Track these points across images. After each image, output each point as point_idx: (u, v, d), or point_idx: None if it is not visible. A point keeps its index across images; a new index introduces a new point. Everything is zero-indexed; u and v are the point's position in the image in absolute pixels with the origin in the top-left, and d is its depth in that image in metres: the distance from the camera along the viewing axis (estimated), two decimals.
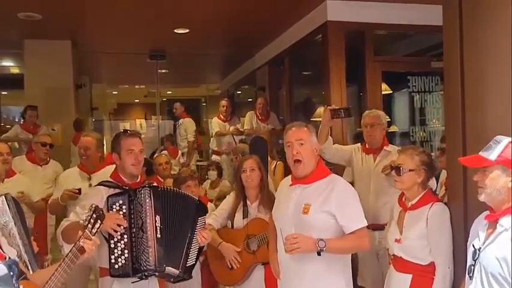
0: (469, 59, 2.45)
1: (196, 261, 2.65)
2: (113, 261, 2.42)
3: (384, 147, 3.68)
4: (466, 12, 2.45)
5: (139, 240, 2.44)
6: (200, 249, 2.69)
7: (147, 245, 2.44)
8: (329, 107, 3.41)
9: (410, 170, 2.52)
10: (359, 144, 3.90)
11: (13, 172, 3.94)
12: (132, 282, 2.46)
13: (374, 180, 3.61)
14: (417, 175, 2.52)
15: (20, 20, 5.33)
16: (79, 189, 3.41)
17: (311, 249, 2.30)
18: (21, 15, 5.21)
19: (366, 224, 2.44)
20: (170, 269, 2.48)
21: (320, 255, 2.31)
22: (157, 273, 2.48)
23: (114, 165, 3.99)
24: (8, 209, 2.21)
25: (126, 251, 2.43)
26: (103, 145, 3.88)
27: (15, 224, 2.21)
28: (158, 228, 2.48)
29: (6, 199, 2.24)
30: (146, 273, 2.44)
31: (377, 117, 3.73)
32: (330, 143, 3.57)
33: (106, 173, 3.62)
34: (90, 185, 3.57)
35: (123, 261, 2.42)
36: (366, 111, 3.92)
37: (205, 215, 2.73)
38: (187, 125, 7.56)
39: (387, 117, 4.26)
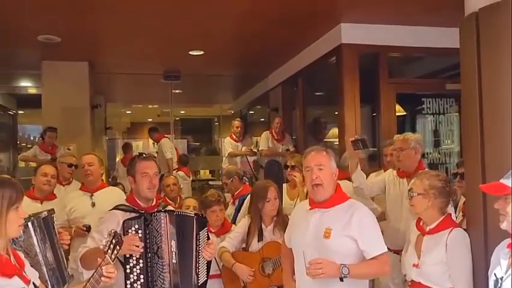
0: (487, 83, 2.45)
1: (207, 277, 2.64)
2: (128, 286, 2.43)
3: (419, 172, 3.49)
4: (483, 35, 2.46)
5: (155, 265, 2.45)
6: (209, 263, 2.67)
7: (162, 270, 2.44)
8: (350, 139, 3.38)
9: (418, 194, 2.53)
10: (392, 169, 3.84)
11: (54, 196, 3.93)
12: None
13: (406, 204, 3.41)
14: (426, 199, 2.51)
15: (40, 42, 5.45)
16: (88, 227, 3.48)
17: (335, 274, 2.29)
18: (41, 38, 5.33)
19: (386, 250, 2.43)
20: None
21: (342, 280, 2.31)
22: None
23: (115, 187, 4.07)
24: (33, 234, 2.23)
25: (142, 276, 2.44)
26: (104, 166, 3.95)
27: (39, 250, 2.22)
28: (173, 253, 2.48)
29: (33, 225, 2.26)
30: None
31: (405, 142, 3.60)
32: (363, 178, 3.53)
33: (108, 192, 3.77)
34: (93, 204, 3.67)
35: (139, 287, 2.43)
36: (396, 135, 3.84)
37: (206, 227, 2.70)
38: (165, 144, 7.75)
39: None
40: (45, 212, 2.49)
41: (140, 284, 2.43)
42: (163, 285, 2.43)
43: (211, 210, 3.40)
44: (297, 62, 6.39)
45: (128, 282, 2.43)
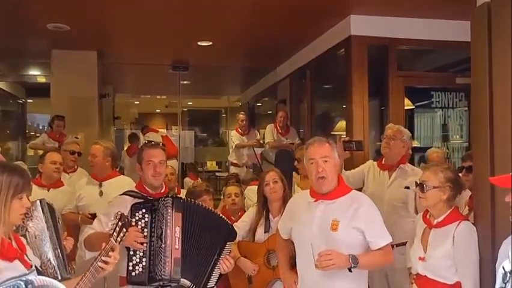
0: (498, 76, 2.42)
1: (215, 285, 2.62)
2: (130, 268, 2.45)
3: (401, 165, 3.58)
4: (495, 26, 2.43)
5: (158, 249, 2.46)
6: (220, 273, 2.65)
7: (164, 255, 2.44)
8: (342, 138, 3.38)
9: (434, 187, 2.49)
10: (371, 160, 3.86)
11: (61, 183, 3.98)
12: None
13: (388, 199, 3.52)
14: (442, 192, 2.49)
15: (49, 30, 5.45)
16: (93, 215, 3.51)
17: (345, 265, 2.29)
18: (50, 26, 5.33)
19: (391, 240, 2.43)
20: (185, 281, 2.47)
21: (351, 271, 2.30)
22: (172, 284, 2.47)
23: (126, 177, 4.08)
24: (42, 214, 2.25)
25: (144, 259, 2.45)
26: (115, 155, 3.94)
27: (47, 228, 2.25)
28: (177, 239, 2.48)
29: (41, 203, 2.28)
30: (161, 283, 2.44)
31: (398, 131, 3.64)
32: (345, 177, 3.50)
33: (118, 181, 3.77)
34: (101, 192, 3.70)
35: (140, 269, 2.45)
36: (390, 124, 3.85)
37: (234, 240, 2.71)
38: (153, 137, 7.74)
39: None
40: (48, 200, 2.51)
41: (142, 267, 2.44)
42: (163, 269, 2.42)
43: (201, 200, 3.38)
44: (305, 54, 6.35)
45: (130, 264, 2.45)
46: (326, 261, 2.26)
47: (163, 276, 2.41)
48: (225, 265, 2.59)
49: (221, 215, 2.79)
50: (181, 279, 2.45)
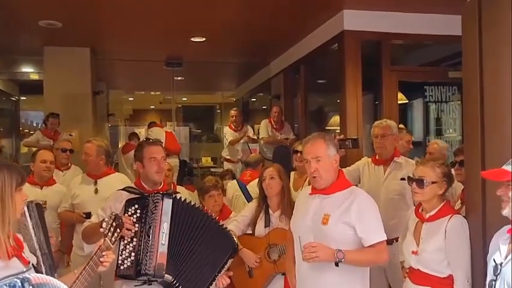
0: (489, 70, 2.43)
1: None
2: (119, 261, 2.47)
3: (395, 159, 3.62)
4: (485, 19, 2.44)
5: (145, 244, 2.47)
6: None
7: (150, 250, 2.45)
8: (337, 137, 3.39)
9: (433, 182, 2.50)
10: (366, 157, 3.87)
11: (53, 181, 3.98)
12: (135, 286, 2.49)
13: (384, 193, 3.54)
14: (439, 187, 2.51)
15: (41, 27, 5.42)
16: (88, 213, 3.53)
17: (329, 259, 2.29)
18: (42, 23, 5.31)
19: (386, 238, 2.41)
20: (168, 277, 2.46)
21: (337, 265, 2.30)
22: (157, 280, 2.48)
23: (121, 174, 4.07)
24: (29, 218, 2.24)
25: (133, 254, 2.48)
26: (108, 152, 3.90)
27: (34, 234, 2.23)
28: (164, 234, 2.48)
29: (28, 209, 2.27)
30: (147, 278, 2.45)
31: (387, 128, 3.64)
32: None
33: (113, 179, 3.77)
34: (96, 190, 3.70)
35: (129, 263, 2.47)
36: (376, 122, 3.83)
37: (232, 259, 2.71)
38: (157, 132, 7.66)
39: (402, 126, 4.23)
40: (39, 201, 2.51)
41: (131, 261, 2.46)
42: (148, 265, 2.43)
43: (209, 195, 3.39)
44: (299, 49, 6.35)
45: (120, 258, 2.47)
46: (310, 254, 2.27)
47: (146, 271, 2.42)
48: (220, 283, 2.61)
49: (228, 228, 2.79)
50: (165, 275, 2.45)
